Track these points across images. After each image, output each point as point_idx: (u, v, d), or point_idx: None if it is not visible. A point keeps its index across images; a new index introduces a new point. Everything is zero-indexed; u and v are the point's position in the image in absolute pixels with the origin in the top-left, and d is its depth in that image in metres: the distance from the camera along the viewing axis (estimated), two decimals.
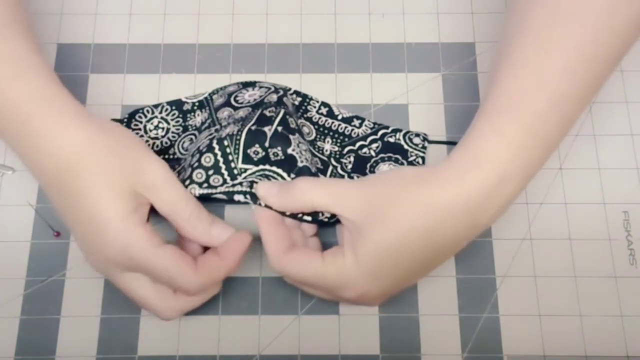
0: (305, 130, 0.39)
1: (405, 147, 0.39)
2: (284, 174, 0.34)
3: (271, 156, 0.34)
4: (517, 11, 0.33)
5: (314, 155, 0.37)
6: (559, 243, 0.38)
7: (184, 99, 0.40)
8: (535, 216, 0.38)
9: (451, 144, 0.39)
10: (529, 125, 0.30)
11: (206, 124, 0.38)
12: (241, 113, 0.37)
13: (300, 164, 0.35)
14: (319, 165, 0.37)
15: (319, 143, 0.39)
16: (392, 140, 0.39)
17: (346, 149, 0.39)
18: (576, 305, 0.36)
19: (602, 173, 0.39)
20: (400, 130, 0.39)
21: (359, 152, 0.39)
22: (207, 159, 0.34)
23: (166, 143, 0.39)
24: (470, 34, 0.43)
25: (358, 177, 0.37)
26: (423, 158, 0.38)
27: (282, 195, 0.33)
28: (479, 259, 0.37)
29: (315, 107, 0.40)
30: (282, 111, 0.36)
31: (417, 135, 0.39)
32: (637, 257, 0.37)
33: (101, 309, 0.36)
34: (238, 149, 0.34)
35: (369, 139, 0.39)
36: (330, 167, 0.37)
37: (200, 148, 0.35)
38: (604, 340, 0.36)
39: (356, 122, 0.40)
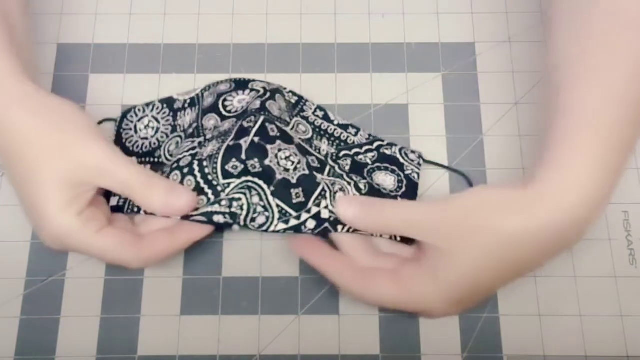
0: (302, 128, 0.38)
1: (402, 160, 0.38)
2: (264, 186, 0.34)
3: (249, 168, 0.34)
4: (569, 15, 0.32)
5: (308, 154, 0.36)
6: None
7: (175, 96, 0.40)
8: None
9: (445, 167, 0.39)
10: (610, 141, 0.29)
11: (191, 129, 0.38)
12: (226, 125, 0.36)
13: (278, 176, 0.34)
14: (316, 164, 0.35)
15: (315, 142, 0.38)
16: (387, 152, 0.38)
17: (342, 153, 0.38)
18: (576, 305, 0.36)
19: None
20: (395, 145, 0.39)
21: (355, 157, 0.38)
22: (189, 182, 0.34)
23: (154, 144, 0.39)
24: (470, 34, 0.43)
25: (357, 178, 0.36)
26: (418, 174, 0.38)
27: (369, 211, 0.32)
28: None
29: (311, 109, 0.40)
30: (262, 119, 0.35)
31: (413, 152, 0.39)
32: (637, 257, 0.37)
33: (101, 309, 0.36)
34: (216, 169, 0.34)
35: (365, 148, 0.39)
36: (328, 167, 0.36)
37: (181, 164, 0.35)
38: (604, 340, 0.36)
39: (352, 130, 0.39)
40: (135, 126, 0.39)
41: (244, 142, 0.34)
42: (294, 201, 0.34)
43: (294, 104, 0.39)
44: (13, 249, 0.37)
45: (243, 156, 0.34)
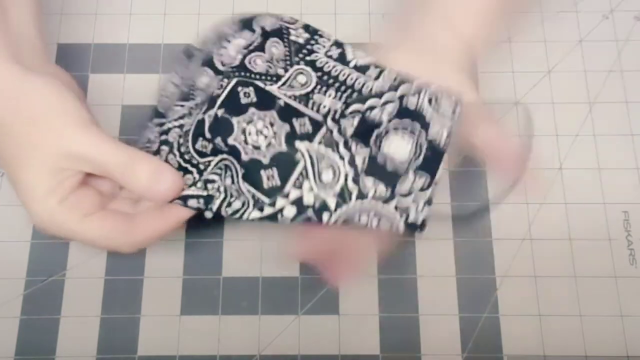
0: (301, 79, 0.31)
1: (428, 116, 0.30)
2: (237, 165, 0.28)
3: (217, 147, 0.29)
4: None
5: (297, 115, 0.29)
6: (559, 243, 0.37)
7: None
8: (535, 216, 0.38)
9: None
10: None
11: (186, 87, 0.33)
12: (214, 85, 0.31)
13: (245, 157, 0.28)
14: (305, 128, 0.29)
15: (316, 96, 0.31)
16: (412, 106, 0.30)
17: (350, 108, 0.30)
18: (576, 305, 0.36)
19: (602, 173, 0.39)
20: (428, 88, 0.31)
21: (367, 114, 0.30)
22: (172, 160, 0.31)
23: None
24: None
25: (357, 148, 0.30)
26: (449, 134, 0.30)
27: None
28: (479, 259, 0.37)
29: (324, 47, 0.32)
30: (233, 82, 0.29)
31: (449, 97, 0.31)
32: (637, 257, 0.37)
33: (101, 309, 0.36)
34: (189, 147, 0.30)
35: (385, 97, 0.30)
36: (322, 130, 0.29)
37: (169, 139, 0.32)
38: (604, 340, 0.36)
39: (372, 72, 0.31)
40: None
41: (208, 117, 0.29)
42: (266, 185, 0.28)
43: (300, 44, 0.32)
44: (13, 249, 0.37)
45: (207, 134, 0.29)
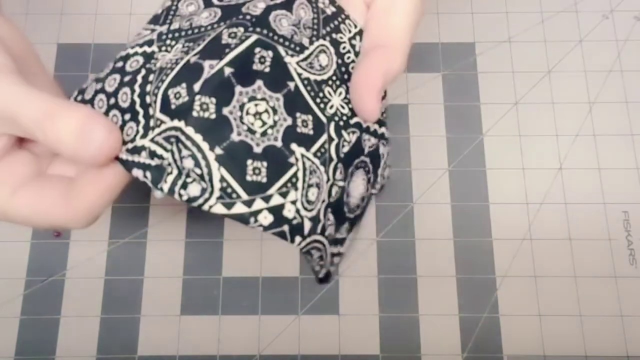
0: (322, 60, 0.25)
1: (380, 170, 0.27)
2: (204, 145, 0.22)
3: (195, 108, 0.22)
4: None
5: (304, 110, 0.24)
6: (559, 243, 0.37)
7: None
8: (535, 216, 0.38)
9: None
10: None
11: (162, 9, 0.28)
12: (204, 18, 0.25)
13: (235, 137, 0.22)
14: (307, 129, 0.24)
15: (327, 89, 0.25)
16: (380, 150, 0.27)
17: (355, 119, 0.25)
18: (576, 305, 0.36)
19: (602, 173, 0.39)
20: (389, 144, 0.28)
21: (363, 135, 0.26)
22: (124, 97, 0.23)
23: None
24: (470, 34, 0.43)
25: (340, 176, 0.25)
26: (372, 197, 0.28)
27: None
28: (479, 259, 0.37)
29: (350, 31, 0.26)
30: (253, 38, 0.23)
31: (390, 167, 0.29)
32: (637, 257, 0.37)
33: (101, 309, 0.36)
34: (158, 90, 0.23)
35: (374, 126, 0.27)
36: (323, 138, 0.24)
37: (127, 68, 0.25)
38: (604, 340, 0.36)
39: None
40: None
41: (209, 67, 0.23)
42: (248, 178, 0.22)
43: (328, 16, 0.26)
44: (13, 249, 0.37)
45: (196, 87, 0.22)
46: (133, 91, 0.23)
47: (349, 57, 0.26)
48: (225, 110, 0.22)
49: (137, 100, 0.23)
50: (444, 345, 0.36)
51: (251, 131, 0.22)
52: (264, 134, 0.22)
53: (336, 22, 0.26)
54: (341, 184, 0.25)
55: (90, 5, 0.43)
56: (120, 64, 0.25)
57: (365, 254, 0.37)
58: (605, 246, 0.37)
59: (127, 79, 0.24)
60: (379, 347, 0.35)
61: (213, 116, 0.22)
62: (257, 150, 0.22)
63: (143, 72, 0.24)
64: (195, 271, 0.37)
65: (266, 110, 0.23)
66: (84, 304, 0.36)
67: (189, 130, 0.22)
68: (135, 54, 0.25)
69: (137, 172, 0.22)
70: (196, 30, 0.24)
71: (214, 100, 0.22)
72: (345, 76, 0.25)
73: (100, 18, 0.43)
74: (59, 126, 0.22)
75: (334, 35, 0.26)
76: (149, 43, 0.25)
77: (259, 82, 0.23)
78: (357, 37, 0.26)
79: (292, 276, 0.37)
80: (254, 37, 0.23)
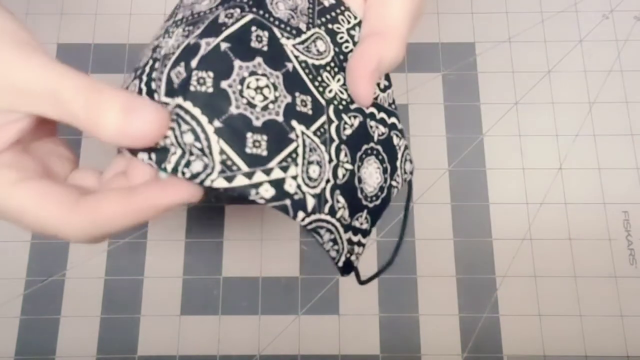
0: (319, 46, 0.26)
1: (398, 162, 0.28)
2: (203, 119, 0.22)
3: (192, 83, 0.22)
4: None
5: (303, 91, 0.24)
6: (559, 243, 0.38)
7: None
8: (535, 216, 0.38)
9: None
10: None
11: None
12: (205, 4, 0.25)
13: (233, 110, 0.22)
14: (306, 109, 0.24)
15: (325, 75, 0.25)
16: (395, 141, 0.28)
17: (354, 106, 0.26)
18: (576, 305, 0.36)
19: (602, 173, 0.39)
20: (404, 137, 0.29)
21: (367, 120, 0.26)
22: (133, 88, 0.24)
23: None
24: (470, 34, 0.43)
25: (346, 158, 0.25)
26: (397, 189, 0.28)
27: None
28: (479, 259, 0.37)
29: (349, 22, 0.27)
30: (249, 17, 0.24)
31: (411, 162, 0.29)
32: (637, 257, 0.37)
33: (101, 309, 0.36)
34: (162, 75, 0.23)
35: (382, 113, 0.27)
36: (322, 119, 0.24)
37: (141, 62, 0.26)
38: (604, 340, 0.36)
39: (381, 82, 0.28)
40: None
41: (205, 44, 0.23)
42: (248, 150, 0.22)
43: (325, 7, 0.27)
44: (13, 249, 0.37)
45: (193, 63, 0.22)
46: (141, 80, 0.24)
47: (347, 47, 0.26)
48: (224, 84, 0.22)
49: (145, 88, 0.23)
50: (444, 345, 0.36)
51: (251, 105, 0.22)
52: (265, 108, 0.23)
53: (333, 14, 0.27)
54: (348, 166, 0.25)
55: (90, 5, 0.43)
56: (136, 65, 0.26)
57: (365, 254, 0.37)
58: (605, 246, 0.37)
59: (138, 72, 0.24)
60: (379, 347, 0.35)
61: (210, 90, 0.22)
62: (257, 123, 0.22)
63: (150, 62, 0.24)
64: (195, 271, 0.37)
65: (267, 86, 0.23)
66: (84, 304, 0.36)
67: (188, 105, 0.22)
68: (147, 50, 0.26)
69: (142, 155, 0.22)
70: (196, 15, 0.25)
71: (211, 74, 0.22)
72: (344, 64, 0.26)
73: (100, 18, 0.43)
74: (105, 103, 0.21)
75: (329, 26, 0.26)
76: (157, 38, 0.26)
77: (259, 59, 0.23)
78: (357, 28, 0.27)
79: (292, 276, 0.37)
80: (250, 16, 0.24)
